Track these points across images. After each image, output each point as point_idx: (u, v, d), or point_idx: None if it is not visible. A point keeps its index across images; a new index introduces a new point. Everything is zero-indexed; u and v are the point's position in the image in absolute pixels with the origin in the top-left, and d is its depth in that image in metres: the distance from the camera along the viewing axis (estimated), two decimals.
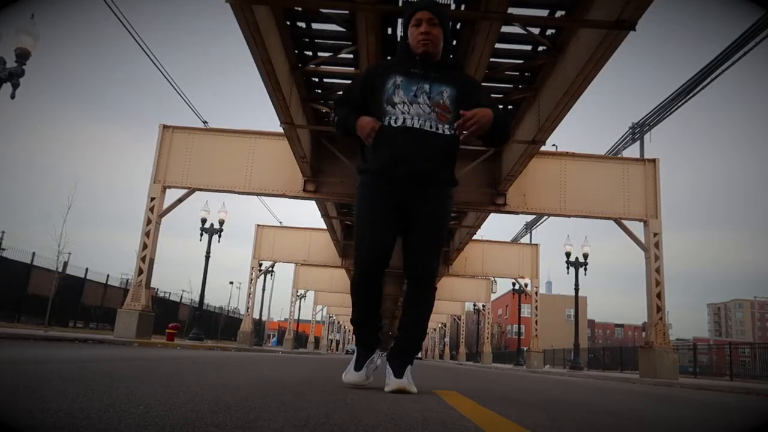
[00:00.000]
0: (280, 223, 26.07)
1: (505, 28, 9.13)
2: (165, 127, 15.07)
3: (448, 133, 2.90)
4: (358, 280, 3.01)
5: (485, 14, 7.90)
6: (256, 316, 29.10)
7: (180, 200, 14.87)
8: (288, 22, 9.86)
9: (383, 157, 2.89)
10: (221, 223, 19.65)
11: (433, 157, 2.91)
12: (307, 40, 10.54)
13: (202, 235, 19.29)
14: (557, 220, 16.84)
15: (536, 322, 23.12)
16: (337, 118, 3.03)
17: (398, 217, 2.95)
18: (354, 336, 3.23)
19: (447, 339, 52.34)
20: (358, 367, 3.08)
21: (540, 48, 10.16)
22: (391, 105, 2.90)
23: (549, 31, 9.69)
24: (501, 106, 12.56)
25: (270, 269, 27.34)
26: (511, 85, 11.64)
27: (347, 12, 9.08)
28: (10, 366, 3.17)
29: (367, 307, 3.05)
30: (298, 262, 27.68)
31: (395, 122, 2.88)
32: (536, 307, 23.41)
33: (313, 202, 16.97)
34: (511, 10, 8.04)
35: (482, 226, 18.90)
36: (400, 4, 8.33)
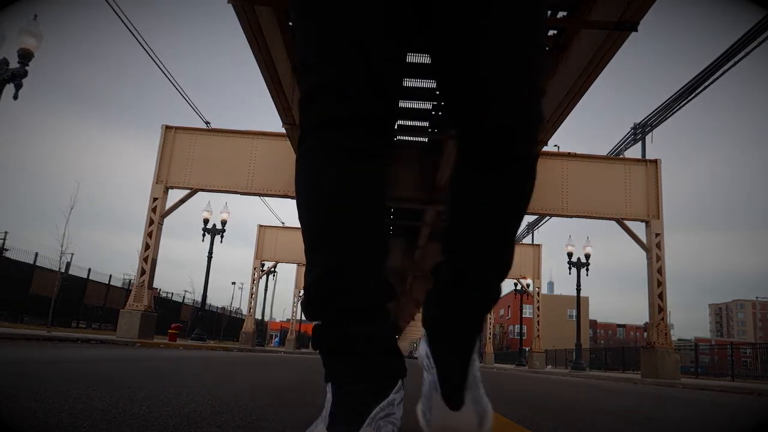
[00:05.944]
0: (283, 223, 26.09)
1: None
2: (167, 127, 15.11)
3: None
4: (312, 150, 0.94)
5: None
6: (259, 316, 29.17)
7: (182, 201, 14.91)
8: (290, 23, 9.87)
9: None
10: (223, 223, 19.65)
11: None
12: None
13: (204, 235, 19.31)
14: (559, 221, 16.84)
15: (538, 322, 23.16)
16: None
17: None
18: (313, 337, 0.98)
19: None
20: (341, 426, 0.87)
21: None
22: None
23: (551, 32, 9.68)
24: None
25: (272, 269, 27.36)
26: None
27: None
28: (13, 366, 3.18)
29: (340, 229, 0.93)
30: (300, 262, 27.68)
31: None
32: (538, 308, 23.43)
33: None
34: None
35: None
36: None
